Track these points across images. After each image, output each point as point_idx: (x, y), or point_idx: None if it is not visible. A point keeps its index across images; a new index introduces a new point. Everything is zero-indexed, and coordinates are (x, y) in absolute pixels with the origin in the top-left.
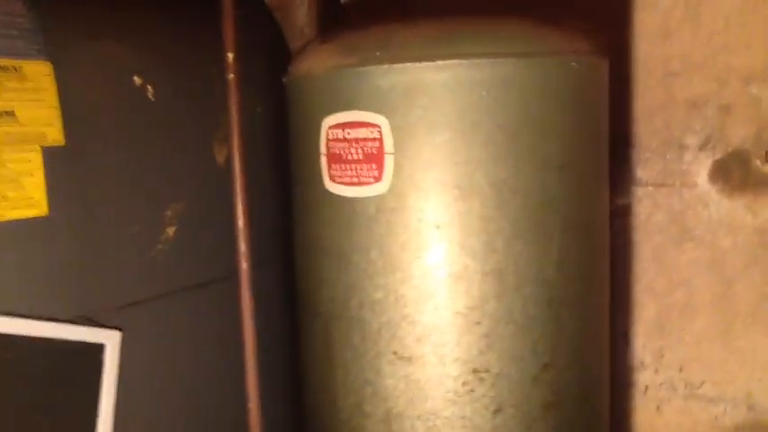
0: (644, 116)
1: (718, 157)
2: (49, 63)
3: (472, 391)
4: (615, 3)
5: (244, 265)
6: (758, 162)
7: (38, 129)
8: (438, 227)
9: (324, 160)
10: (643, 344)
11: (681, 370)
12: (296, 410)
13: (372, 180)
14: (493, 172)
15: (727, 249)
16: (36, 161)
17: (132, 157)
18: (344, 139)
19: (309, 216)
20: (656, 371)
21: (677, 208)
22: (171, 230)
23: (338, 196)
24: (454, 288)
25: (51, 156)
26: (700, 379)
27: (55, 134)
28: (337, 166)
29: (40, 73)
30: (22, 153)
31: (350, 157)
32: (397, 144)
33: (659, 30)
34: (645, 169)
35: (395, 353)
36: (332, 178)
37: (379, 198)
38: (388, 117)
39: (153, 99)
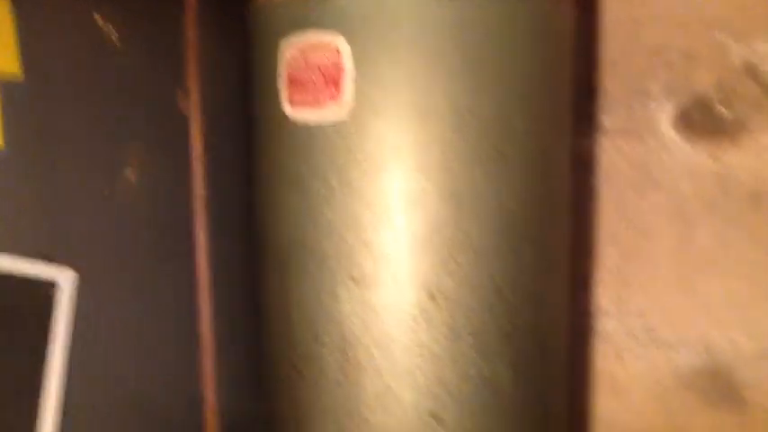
0: (609, 63)
1: (681, 103)
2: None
3: (429, 316)
4: None
5: (200, 212)
6: (720, 108)
7: None
8: (397, 150)
9: (283, 84)
10: (604, 291)
11: (641, 317)
12: (253, 361)
13: (331, 103)
14: (453, 97)
15: (689, 196)
16: None
17: (92, 98)
18: (303, 62)
19: (268, 143)
20: (617, 318)
21: (640, 155)
22: (129, 172)
23: (297, 120)
24: (412, 212)
25: (8, 91)
26: (659, 325)
27: (13, 69)
28: (296, 90)
29: None
30: None
31: (309, 79)
32: (357, 67)
33: None
34: (609, 116)
35: (352, 278)
36: (291, 102)
37: (339, 121)
38: (348, 39)
39: (116, 41)
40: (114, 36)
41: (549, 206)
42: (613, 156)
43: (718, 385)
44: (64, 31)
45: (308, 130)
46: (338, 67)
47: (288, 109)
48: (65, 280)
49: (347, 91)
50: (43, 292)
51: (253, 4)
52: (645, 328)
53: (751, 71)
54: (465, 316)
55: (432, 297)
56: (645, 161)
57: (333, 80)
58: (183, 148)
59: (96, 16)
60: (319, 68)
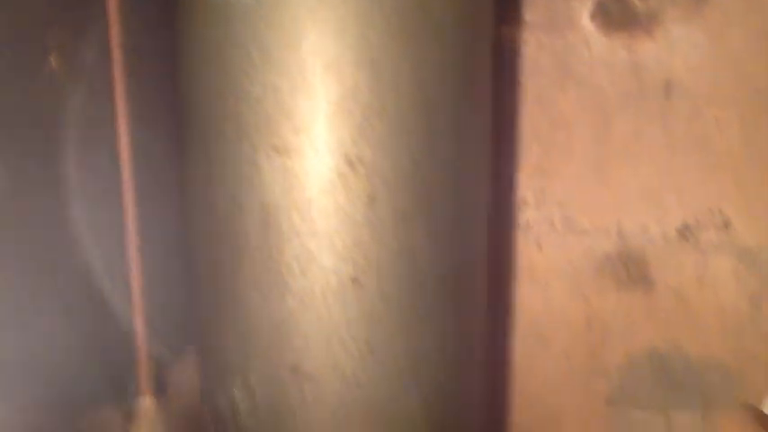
0: None
1: None
2: None
3: (346, 180)
4: None
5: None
6: (635, 1)
7: None
8: (314, 18)
9: None
10: (526, 184)
11: (560, 206)
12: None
13: None
14: None
15: (605, 87)
16: None
17: None
18: None
19: (189, 18)
20: (537, 208)
21: (561, 49)
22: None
23: None
24: (329, 79)
25: None
26: (576, 214)
27: None
28: None
29: None
30: None
31: None
32: None
33: None
34: (531, 11)
35: (273, 147)
36: None
37: None
38: None
39: None
40: None
41: (468, 83)
42: (535, 51)
43: (629, 268)
44: None
45: (227, 1)
46: None
47: None
48: None
49: None
50: None
51: None
52: (563, 217)
53: None
54: (382, 182)
55: (350, 163)
56: (564, 55)
57: None
58: (102, 32)
59: None
60: None
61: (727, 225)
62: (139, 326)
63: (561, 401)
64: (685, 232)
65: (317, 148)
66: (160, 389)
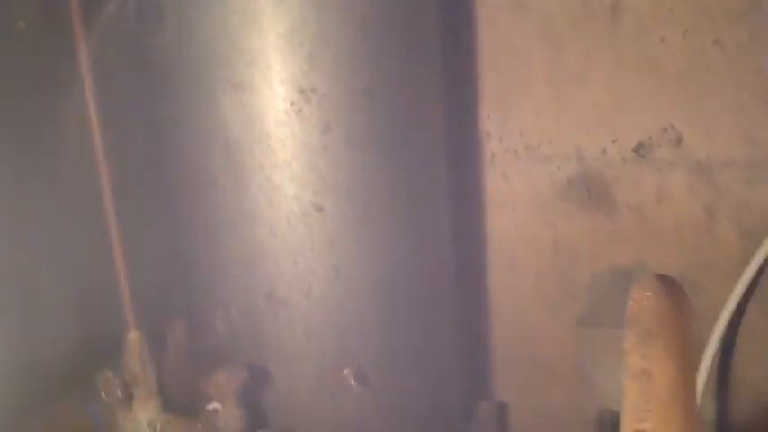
0: None
1: None
2: None
3: (300, 110)
4: None
5: None
6: None
7: None
8: None
9: None
10: (489, 116)
11: (521, 136)
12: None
13: None
14: None
15: (556, 14)
16: None
17: None
18: None
19: None
20: (500, 140)
21: None
22: None
23: None
24: (276, 11)
25: None
26: (538, 142)
27: None
28: None
29: None
30: None
31: None
32: None
33: None
34: None
35: (228, 82)
36: None
37: None
38: None
39: None
40: None
41: (414, 10)
42: None
43: (590, 191)
44: None
45: None
46: None
47: None
48: None
49: None
50: None
51: None
52: (525, 145)
53: None
54: (335, 111)
55: (301, 91)
56: None
57: None
58: None
59: None
60: None
61: (679, 141)
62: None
63: (535, 322)
64: (641, 151)
65: (269, 82)
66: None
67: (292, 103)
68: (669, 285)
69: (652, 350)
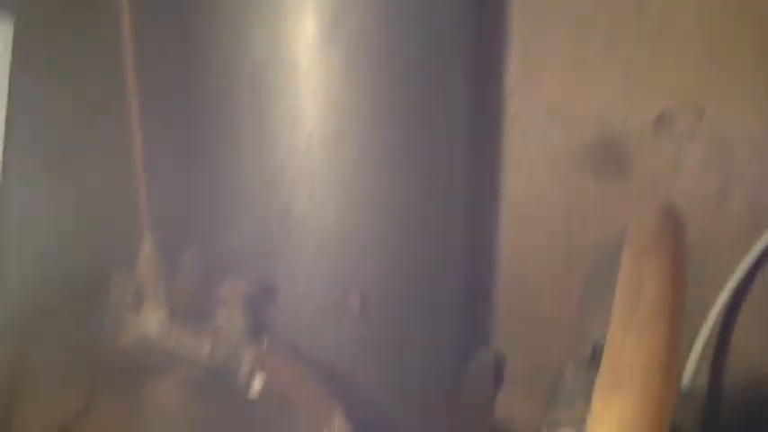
0: None
1: None
2: None
3: (330, 38)
4: None
5: None
6: None
7: None
8: None
9: None
10: (512, 75)
11: (545, 96)
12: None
13: None
14: None
15: None
16: None
17: None
18: None
19: None
20: (523, 98)
21: None
22: None
23: None
24: None
25: None
26: (560, 104)
27: None
28: None
29: None
30: None
31: None
32: None
33: None
34: None
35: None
36: None
37: None
38: None
39: None
40: None
41: None
42: None
43: (607, 157)
44: None
45: None
46: None
47: None
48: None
49: None
50: None
51: None
52: (547, 106)
53: None
54: (363, 41)
55: (334, 20)
56: None
57: None
58: None
59: None
60: None
61: (700, 115)
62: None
63: (540, 281)
64: (662, 122)
65: (304, 7)
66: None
67: (322, 30)
68: (667, 213)
69: (645, 267)
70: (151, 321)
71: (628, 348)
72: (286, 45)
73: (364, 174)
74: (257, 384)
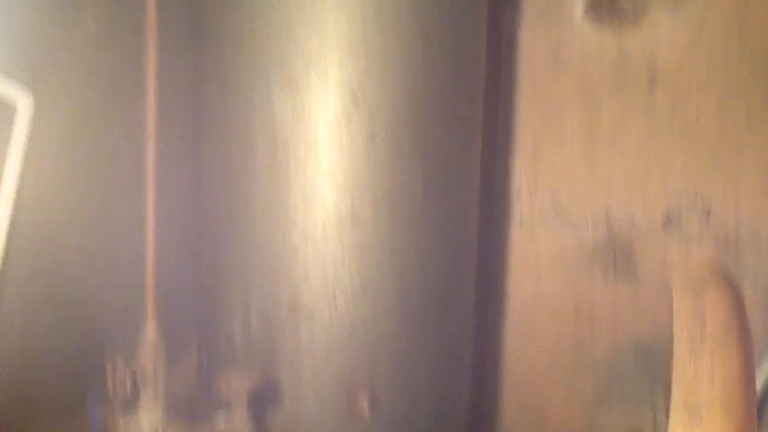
0: None
1: None
2: None
3: (350, 116)
4: None
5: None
6: None
7: None
8: None
9: None
10: (520, 173)
11: (552, 196)
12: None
13: None
14: None
15: (595, 78)
16: None
17: None
18: None
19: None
20: (531, 198)
21: (555, 41)
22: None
23: None
24: (340, 17)
25: None
26: (567, 202)
27: None
28: None
29: None
30: None
31: None
32: None
33: None
34: (527, 5)
35: (285, 80)
36: None
37: None
38: None
39: None
40: None
41: (463, 45)
42: (532, 42)
43: (616, 258)
44: None
45: None
46: None
47: None
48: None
49: None
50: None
51: None
52: (555, 206)
53: None
54: (383, 120)
55: (354, 100)
56: (559, 46)
57: None
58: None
59: None
60: None
61: (708, 213)
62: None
63: (548, 394)
64: (669, 220)
65: (325, 84)
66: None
67: (343, 109)
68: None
69: (707, 300)
70: (147, 417)
71: (701, 381)
72: (306, 123)
73: (378, 261)
74: None
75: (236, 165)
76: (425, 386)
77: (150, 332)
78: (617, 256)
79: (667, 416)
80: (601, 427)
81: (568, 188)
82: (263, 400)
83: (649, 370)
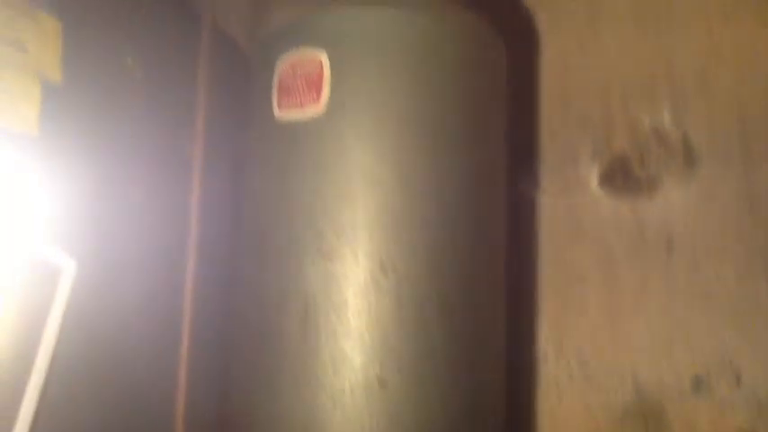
0: (546, 133)
1: (605, 164)
2: (59, 23)
3: (379, 284)
4: (524, 45)
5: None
6: (636, 167)
7: (42, 65)
8: (359, 140)
9: (275, 94)
10: (546, 337)
11: (577, 358)
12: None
13: (312, 104)
14: (406, 100)
15: (614, 244)
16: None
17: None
18: (292, 73)
19: (257, 142)
20: (557, 361)
21: (574, 210)
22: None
23: (283, 121)
24: (370, 192)
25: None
26: (593, 365)
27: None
28: (285, 96)
29: (50, 25)
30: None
31: (295, 86)
32: (333, 75)
33: (558, 64)
34: (547, 178)
35: (317, 249)
36: (279, 107)
37: (317, 118)
38: (327, 52)
39: (140, 81)
40: (139, 73)
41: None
42: (551, 211)
43: (647, 422)
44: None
45: (290, 126)
46: (320, 76)
47: (276, 112)
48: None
49: (325, 94)
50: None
51: (258, 34)
52: (581, 368)
53: (658, 136)
54: (410, 288)
55: (383, 269)
56: (577, 215)
57: (315, 86)
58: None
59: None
60: (305, 77)
61: (738, 376)
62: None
63: None
64: (699, 385)
65: (356, 253)
66: None
67: (372, 277)
68: None
69: None
70: None
71: None
72: (336, 288)
73: (406, 426)
74: None
75: (266, 321)
76: None
77: None
78: (648, 420)
79: None
80: None
81: (594, 351)
82: None
83: None
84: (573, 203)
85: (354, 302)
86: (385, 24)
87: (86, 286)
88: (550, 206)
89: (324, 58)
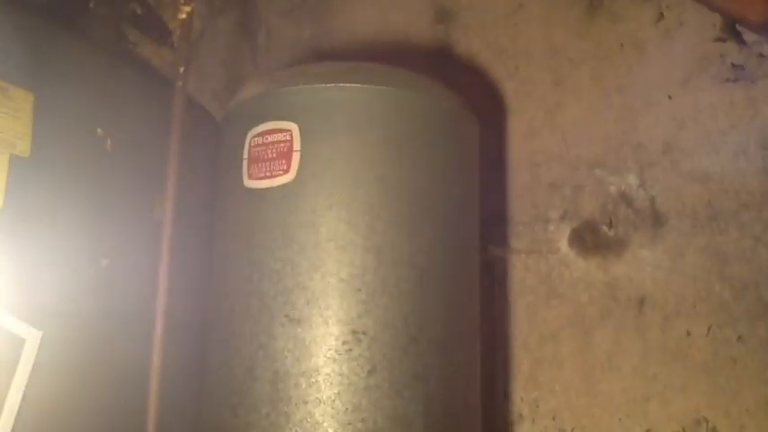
0: (516, 197)
1: (574, 226)
2: (31, 94)
3: (350, 350)
4: (493, 114)
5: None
6: (605, 228)
7: (11, 139)
8: (329, 209)
9: (245, 164)
10: (521, 397)
11: (554, 418)
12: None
13: (282, 173)
14: (377, 169)
15: (585, 303)
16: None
17: (83, 187)
18: (263, 144)
19: (227, 210)
20: (533, 422)
21: (544, 270)
22: (105, 262)
23: (253, 189)
24: (340, 258)
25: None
26: (570, 426)
27: (23, 147)
28: (255, 166)
29: (22, 98)
30: None
31: (266, 157)
32: (303, 145)
33: (526, 131)
34: (517, 239)
35: (287, 316)
36: (250, 176)
37: (286, 186)
38: (297, 124)
39: (110, 151)
40: (110, 146)
41: (458, 275)
42: (522, 272)
43: None
44: (69, 134)
45: (260, 194)
46: (290, 148)
47: (246, 181)
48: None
49: (295, 165)
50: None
51: (230, 104)
52: (558, 429)
53: (626, 199)
54: (381, 352)
55: (353, 332)
56: (548, 275)
57: (285, 157)
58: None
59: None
60: (275, 148)
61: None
62: None
63: None
64: None
65: (326, 319)
66: None
67: (344, 342)
68: None
69: None
70: None
71: None
72: (307, 353)
73: None
74: None
75: (237, 391)
76: None
77: None
78: None
79: None
80: None
81: (569, 410)
82: None
83: None
84: (544, 263)
85: (325, 369)
86: (354, 98)
87: (51, 356)
88: (522, 266)
89: (294, 130)
